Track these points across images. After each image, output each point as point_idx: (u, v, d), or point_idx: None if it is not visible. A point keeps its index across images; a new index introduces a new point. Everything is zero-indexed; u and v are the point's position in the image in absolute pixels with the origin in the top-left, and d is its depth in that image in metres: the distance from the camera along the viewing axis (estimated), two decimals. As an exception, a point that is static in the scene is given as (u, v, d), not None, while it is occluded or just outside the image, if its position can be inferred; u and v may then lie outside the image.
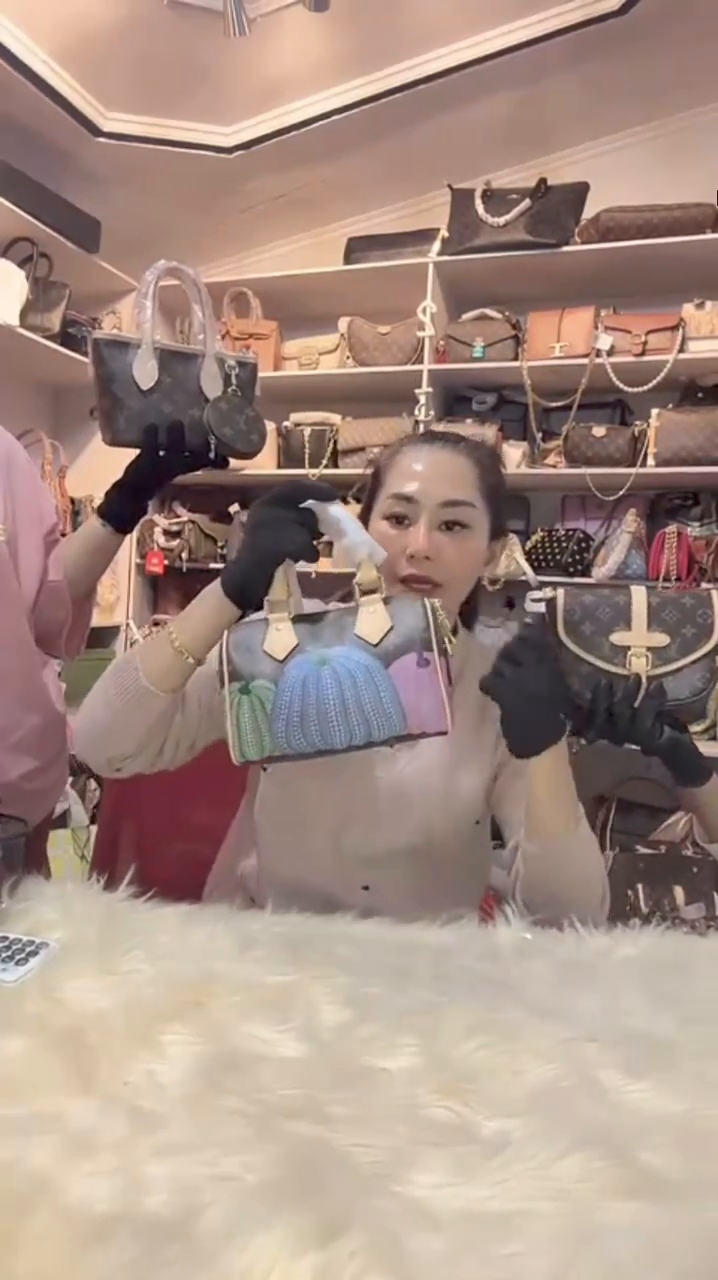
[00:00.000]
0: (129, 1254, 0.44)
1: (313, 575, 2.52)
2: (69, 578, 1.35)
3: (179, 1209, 0.48)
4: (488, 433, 2.74)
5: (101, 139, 2.76)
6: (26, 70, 2.45)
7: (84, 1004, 0.72)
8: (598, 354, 2.69)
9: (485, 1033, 0.69)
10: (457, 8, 2.45)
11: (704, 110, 2.92)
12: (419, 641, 0.90)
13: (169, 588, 3.41)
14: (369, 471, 1.18)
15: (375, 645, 0.90)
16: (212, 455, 1.17)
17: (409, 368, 2.90)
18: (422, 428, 2.78)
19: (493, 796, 1.12)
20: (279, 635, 0.91)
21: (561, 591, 1.22)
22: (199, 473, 1.21)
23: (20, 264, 2.70)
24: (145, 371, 1.13)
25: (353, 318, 3.00)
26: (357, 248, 3.02)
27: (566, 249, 2.70)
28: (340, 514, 0.94)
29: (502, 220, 2.72)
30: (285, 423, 3.09)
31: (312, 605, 1.06)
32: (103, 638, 3.26)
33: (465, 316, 2.89)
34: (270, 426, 2.89)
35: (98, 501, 1.32)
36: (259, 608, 0.95)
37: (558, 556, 2.84)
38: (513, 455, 2.83)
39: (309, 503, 0.93)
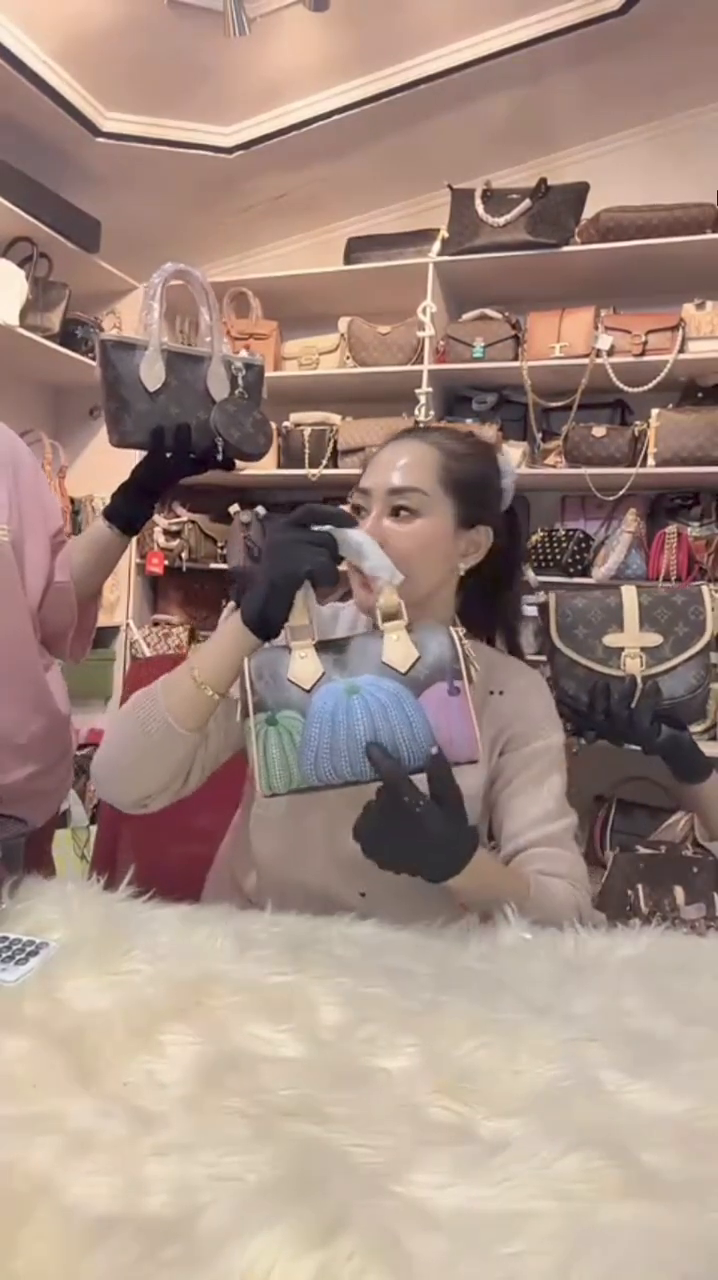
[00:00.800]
0: (129, 1254, 0.44)
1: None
2: (75, 579, 1.35)
3: (179, 1209, 0.48)
4: (488, 432, 2.74)
5: (101, 139, 2.76)
6: (26, 70, 2.45)
7: (84, 1004, 0.72)
8: (598, 354, 2.69)
9: (485, 1032, 0.69)
10: (457, 8, 2.45)
11: (704, 110, 2.92)
12: (450, 670, 0.88)
13: (169, 588, 3.41)
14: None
15: (405, 673, 0.89)
16: (218, 457, 1.17)
17: (409, 368, 2.90)
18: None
19: (489, 800, 1.12)
20: (304, 663, 0.89)
21: (552, 596, 1.22)
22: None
23: (20, 264, 2.70)
24: (152, 374, 1.13)
25: (353, 318, 3.00)
26: (357, 248, 3.03)
27: (566, 249, 2.70)
28: (361, 538, 0.93)
29: (502, 220, 2.72)
30: (285, 423, 3.09)
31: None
32: (103, 638, 3.26)
33: (465, 316, 2.90)
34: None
35: (98, 501, 1.32)
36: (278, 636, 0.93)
37: (558, 557, 2.84)
38: (513, 455, 2.83)
39: (327, 528, 0.91)
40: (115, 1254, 0.44)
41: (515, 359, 2.80)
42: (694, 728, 1.34)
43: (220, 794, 1.29)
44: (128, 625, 3.30)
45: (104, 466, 3.30)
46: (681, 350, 2.63)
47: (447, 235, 2.85)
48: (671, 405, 2.72)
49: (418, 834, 0.86)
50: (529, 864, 1.06)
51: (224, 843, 1.28)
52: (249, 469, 2.86)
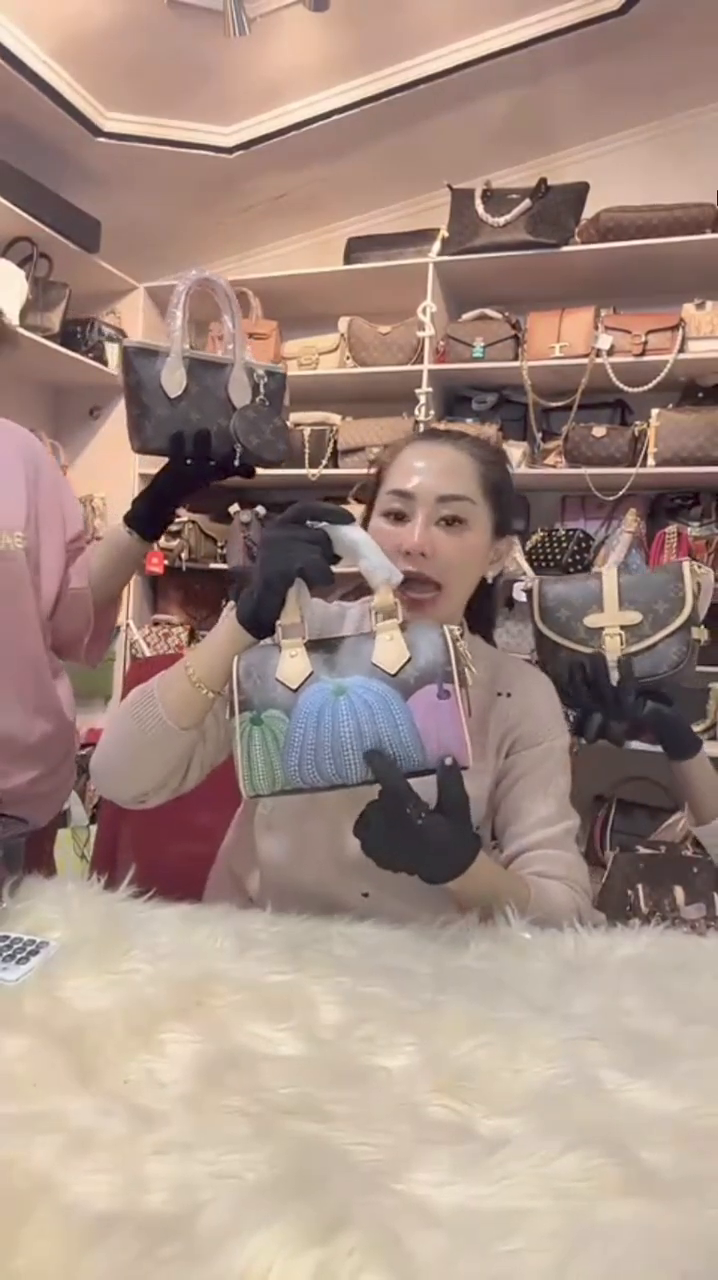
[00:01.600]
0: (129, 1252, 0.44)
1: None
2: (93, 584, 1.35)
3: (179, 1207, 0.49)
4: (489, 433, 2.74)
5: (101, 139, 2.76)
6: (26, 70, 2.45)
7: (84, 1003, 0.72)
8: (598, 354, 2.69)
9: (485, 1032, 0.69)
10: (457, 8, 2.45)
11: (704, 110, 2.92)
12: (440, 673, 0.86)
13: (169, 588, 3.41)
14: (372, 471, 1.18)
15: (394, 675, 0.87)
16: (237, 463, 1.18)
17: (409, 368, 2.90)
18: (422, 428, 2.78)
19: (493, 801, 1.12)
20: (293, 662, 0.88)
21: (537, 581, 1.24)
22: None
23: (20, 264, 2.71)
24: (174, 380, 1.13)
25: (353, 318, 3.01)
26: (357, 248, 3.03)
27: (566, 249, 2.70)
28: (357, 536, 0.91)
29: (502, 220, 2.72)
30: (285, 422, 3.09)
31: (317, 605, 1.05)
32: (103, 638, 3.27)
33: (465, 316, 2.90)
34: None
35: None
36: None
37: (558, 556, 2.84)
38: (513, 455, 2.83)
39: (322, 525, 0.90)
40: (115, 1252, 0.44)
41: (516, 359, 2.80)
42: (694, 728, 1.35)
43: (220, 791, 1.29)
44: (128, 625, 3.29)
45: (104, 466, 3.31)
46: (681, 350, 2.63)
47: (447, 235, 2.85)
48: (671, 405, 2.72)
49: (419, 842, 0.86)
50: (530, 866, 1.06)
51: (225, 840, 1.28)
52: (249, 469, 2.86)
